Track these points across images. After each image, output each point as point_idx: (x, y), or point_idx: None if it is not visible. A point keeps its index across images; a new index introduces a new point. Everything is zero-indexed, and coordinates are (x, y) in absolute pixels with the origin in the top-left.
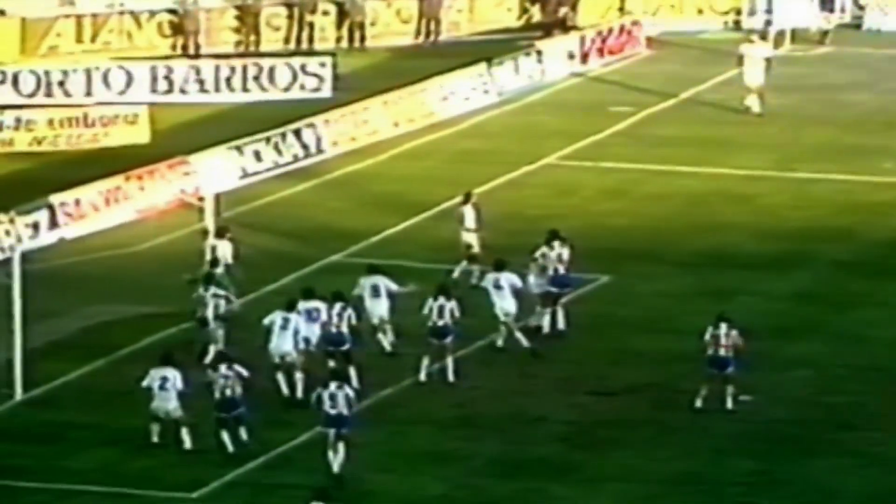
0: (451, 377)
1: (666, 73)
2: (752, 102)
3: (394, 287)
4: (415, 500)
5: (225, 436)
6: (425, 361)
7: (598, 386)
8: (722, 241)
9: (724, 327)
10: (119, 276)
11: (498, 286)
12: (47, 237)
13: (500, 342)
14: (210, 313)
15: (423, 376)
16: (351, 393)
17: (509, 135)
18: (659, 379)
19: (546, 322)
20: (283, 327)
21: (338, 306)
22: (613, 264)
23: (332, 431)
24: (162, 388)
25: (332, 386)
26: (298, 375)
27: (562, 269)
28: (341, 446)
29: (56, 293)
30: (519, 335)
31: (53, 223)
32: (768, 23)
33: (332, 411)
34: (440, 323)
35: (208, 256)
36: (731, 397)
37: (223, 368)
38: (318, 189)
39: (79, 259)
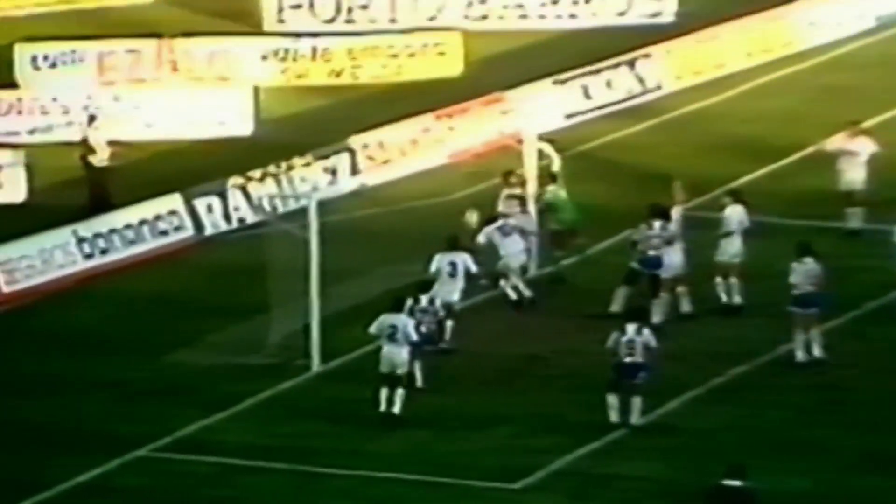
0: (817, 352)
1: None
2: None
3: (473, 268)
4: (772, 495)
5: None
6: (798, 335)
7: None
8: None
9: None
10: (429, 230)
11: None
12: (347, 184)
13: None
14: None
15: (800, 354)
16: (651, 339)
17: (887, 67)
18: None
19: None
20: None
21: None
22: None
23: (626, 382)
24: (391, 338)
25: (630, 330)
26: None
27: None
28: (638, 399)
29: (358, 249)
30: None
31: (354, 168)
32: None
33: (628, 359)
34: (808, 289)
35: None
36: None
37: (423, 301)
38: (656, 130)
39: (383, 210)
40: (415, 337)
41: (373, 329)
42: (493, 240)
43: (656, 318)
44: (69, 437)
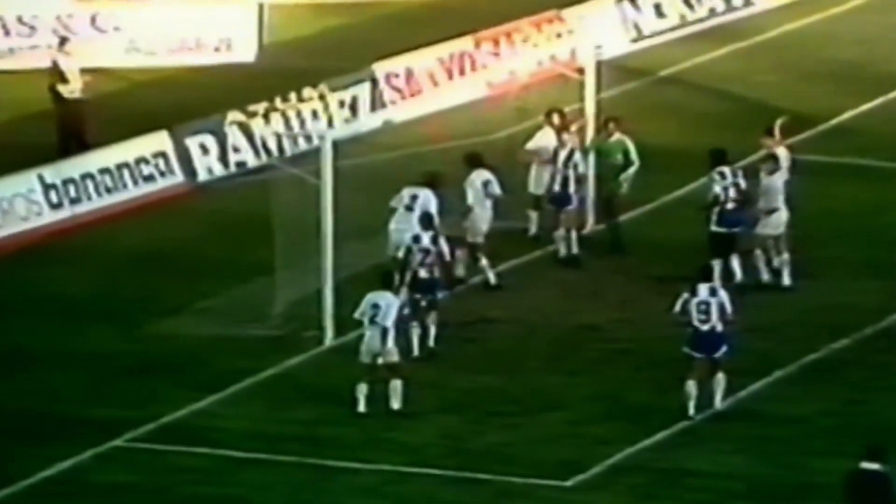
0: None
1: None
2: None
3: (433, 204)
4: None
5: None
6: None
7: None
8: None
9: None
10: (465, 176)
11: None
12: (369, 120)
13: None
14: None
15: None
16: (727, 301)
17: None
18: None
19: None
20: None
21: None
22: None
23: (700, 356)
24: (372, 321)
25: (703, 291)
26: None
27: None
28: (721, 376)
29: (380, 199)
30: None
31: (377, 102)
32: None
33: (704, 327)
34: None
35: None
36: None
37: (426, 240)
38: (745, 55)
39: (411, 151)
40: (390, 322)
41: (357, 314)
42: (471, 187)
43: (737, 279)
44: (34, 423)
